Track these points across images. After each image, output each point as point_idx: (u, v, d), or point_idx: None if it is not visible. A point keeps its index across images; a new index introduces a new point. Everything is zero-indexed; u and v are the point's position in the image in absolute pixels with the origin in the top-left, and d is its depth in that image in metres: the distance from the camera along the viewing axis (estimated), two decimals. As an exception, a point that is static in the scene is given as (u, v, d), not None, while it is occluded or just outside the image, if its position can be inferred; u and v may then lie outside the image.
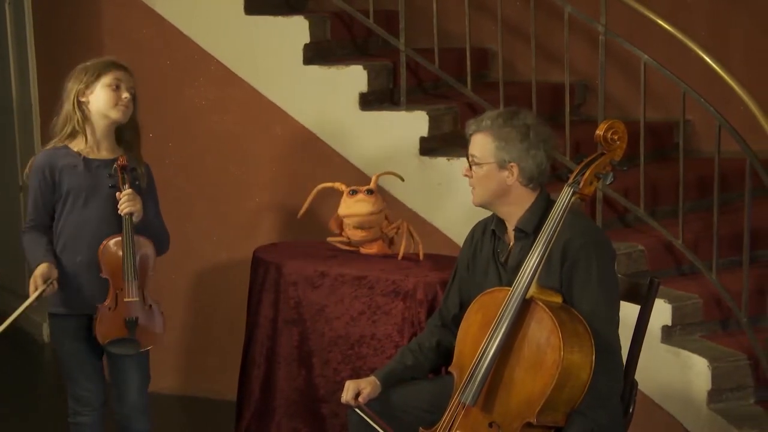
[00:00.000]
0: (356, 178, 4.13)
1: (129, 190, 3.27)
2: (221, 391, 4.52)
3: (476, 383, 2.85)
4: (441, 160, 4.27)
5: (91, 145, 3.34)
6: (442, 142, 4.38)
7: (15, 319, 2.96)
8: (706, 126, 4.50)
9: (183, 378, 4.70)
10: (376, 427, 2.97)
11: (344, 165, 4.37)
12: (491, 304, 2.91)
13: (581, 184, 2.89)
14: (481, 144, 3.01)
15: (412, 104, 4.38)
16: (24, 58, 5.27)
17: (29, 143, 5.30)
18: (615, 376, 2.94)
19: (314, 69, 4.40)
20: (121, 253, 3.27)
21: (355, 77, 4.35)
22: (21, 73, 5.36)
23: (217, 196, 4.61)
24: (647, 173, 4.15)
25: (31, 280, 3.23)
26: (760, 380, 3.89)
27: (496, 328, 2.85)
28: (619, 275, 3.12)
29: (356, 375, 3.52)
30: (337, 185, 3.88)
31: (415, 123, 4.29)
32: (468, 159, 3.05)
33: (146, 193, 3.38)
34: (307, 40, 4.41)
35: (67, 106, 3.34)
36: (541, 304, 2.83)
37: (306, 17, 4.44)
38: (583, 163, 2.92)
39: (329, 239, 3.94)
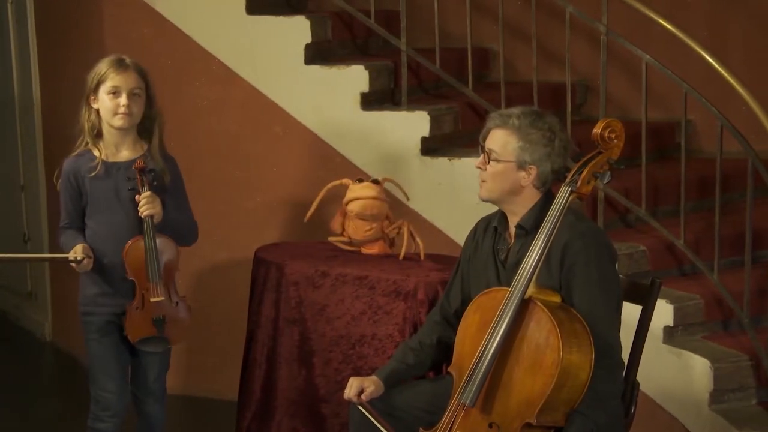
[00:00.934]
0: (357, 178, 4.13)
1: (148, 193, 3.30)
2: (221, 391, 4.52)
3: (475, 384, 2.84)
4: (442, 160, 4.26)
5: (110, 149, 3.37)
6: (444, 142, 4.38)
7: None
8: (707, 126, 4.49)
9: (183, 378, 4.69)
10: (378, 424, 2.96)
11: (345, 165, 4.36)
12: (490, 304, 2.91)
13: (579, 183, 2.88)
14: (503, 141, 2.98)
15: (413, 104, 4.38)
16: (26, 56, 5.27)
17: (31, 141, 5.30)
18: (614, 377, 2.94)
19: (315, 69, 4.40)
20: (144, 254, 3.31)
21: (356, 77, 4.35)
22: (23, 71, 5.36)
23: (217, 195, 4.61)
24: (649, 173, 4.14)
25: (72, 251, 3.28)
26: (761, 381, 3.89)
27: (494, 329, 2.85)
28: (621, 276, 3.11)
29: (357, 375, 3.49)
30: (345, 180, 3.89)
31: (416, 123, 4.29)
32: (484, 151, 3.03)
33: (170, 188, 3.40)
34: (309, 40, 4.40)
35: (82, 110, 3.38)
36: (539, 304, 2.83)
37: (307, 17, 4.44)
38: (580, 162, 2.91)
39: (330, 239, 3.94)
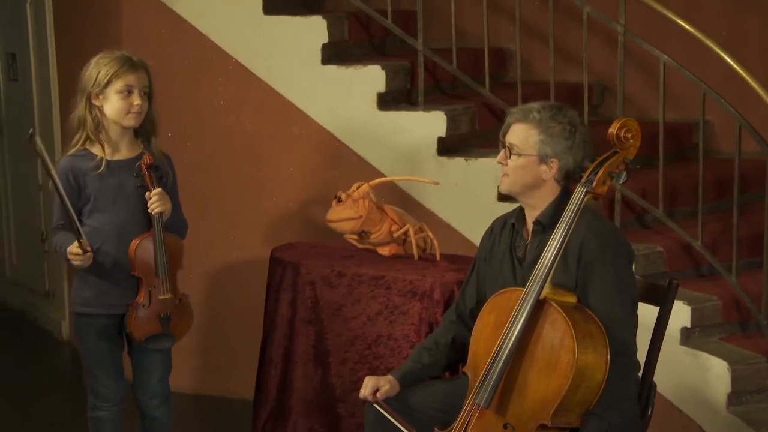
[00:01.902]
0: (373, 178, 4.13)
1: (158, 190, 3.30)
2: (237, 391, 4.53)
3: (490, 385, 2.84)
4: (459, 161, 4.26)
5: (110, 148, 3.35)
6: (460, 142, 4.38)
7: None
8: (725, 126, 4.47)
9: (199, 377, 4.71)
10: (395, 422, 2.96)
11: (362, 165, 4.37)
12: (505, 305, 2.90)
13: (594, 183, 2.88)
14: (524, 135, 2.98)
15: (429, 104, 4.38)
16: (44, 57, 5.30)
17: (49, 142, 5.32)
18: (630, 377, 2.93)
19: (332, 69, 4.40)
20: (152, 251, 3.31)
21: (372, 77, 4.35)
22: (41, 72, 5.38)
23: (233, 195, 4.62)
24: (666, 174, 4.13)
25: (73, 245, 3.24)
26: (779, 383, 3.87)
27: (509, 329, 2.84)
28: (637, 276, 3.10)
29: (373, 375, 3.50)
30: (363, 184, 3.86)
31: (432, 123, 4.29)
32: (504, 145, 3.02)
33: (169, 185, 3.41)
34: (325, 40, 4.41)
35: (80, 107, 3.34)
36: (554, 304, 2.82)
37: (324, 17, 4.44)
38: (596, 162, 2.91)
39: (346, 236, 3.93)
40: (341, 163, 4.41)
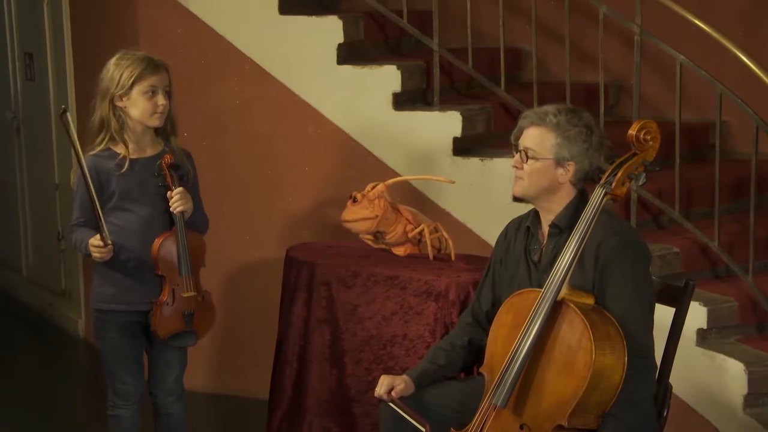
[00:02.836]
0: (388, 178, 4.13)
1: (180, 189, 3.32)
2: (252, 390, 4.54)
3: (507, 385, 2.84)
4: (474, 161, 4.26)
5: (134, 146, 3.37)
6: (476, 142, 4.37)
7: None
8: (742, 127, 4.45)
9: (214, 376, 4.72)
10: (409, 418, 2.95)
11: (377, 165, 4.37)
12: (522, 305, 2.90)
13: (613, 185, 2.87)
14: (540, 138, 2.97)
15: (445, 104, 4.37)
16: (61, 57, 5.32)
17: (66, 142, 5.34)
18: (647, 379, 2.92)
19: (348, 69, 4.40)
20: (175, 250, 3.33)
21: (388, 77, 4.35)
22: (58, 72, 5.41)
23: (249, 195, 4.63)
24: (682, 174, 4.11)
25: (93, 238, 3.27)
26: (797, 385, 3.85)
27: (527, 330, 2.84)
28: (654, 277, 3.09)
29: (388, 375, 3.51)
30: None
31: (448, 123, 4.28)
32: (518, 150, 3.01)
33: (191, 183, 3.42)
34: (341, 39, 4.41)
35: (103, 107, 3.36)
36: (572, 305, 2.82)
37: (340, 17, 4.44)
38: (614, 164, 2.90)
39: (362, 236, 3.93)
40: (357, 163, 4.41)
